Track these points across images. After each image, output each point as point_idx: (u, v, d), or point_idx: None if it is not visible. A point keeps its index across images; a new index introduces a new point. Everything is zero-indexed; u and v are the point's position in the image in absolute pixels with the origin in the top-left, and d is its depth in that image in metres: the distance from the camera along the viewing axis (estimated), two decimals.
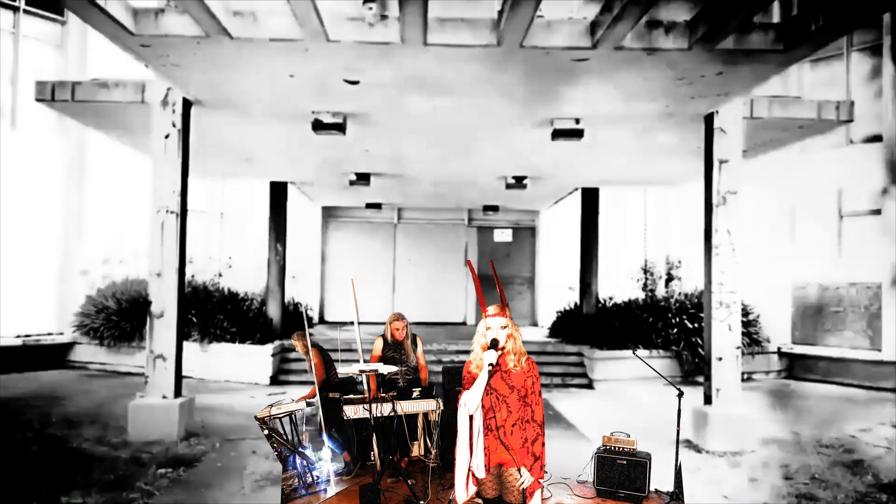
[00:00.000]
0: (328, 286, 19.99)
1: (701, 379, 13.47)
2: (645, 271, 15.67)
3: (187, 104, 8.54)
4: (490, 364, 3.91)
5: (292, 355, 13.84)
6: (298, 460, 5.94)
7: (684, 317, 13.74)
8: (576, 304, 15.89)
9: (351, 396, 6.26)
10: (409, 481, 5.56)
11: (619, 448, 5.66)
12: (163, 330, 8.48)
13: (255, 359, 13.04)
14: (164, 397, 8.43)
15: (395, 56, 6.71)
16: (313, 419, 6.59)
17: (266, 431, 5.98)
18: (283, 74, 7.34)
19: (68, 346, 14.46)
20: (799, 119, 8.97)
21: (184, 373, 13.09)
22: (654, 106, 8.22)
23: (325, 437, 6.12)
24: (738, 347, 8.57)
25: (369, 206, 18.12)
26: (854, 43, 14.56)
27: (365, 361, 6.21)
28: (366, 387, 6.48)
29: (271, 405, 6.14)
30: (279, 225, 14.99)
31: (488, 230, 20.21)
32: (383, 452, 5.94)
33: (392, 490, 5.51)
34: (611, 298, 15.45)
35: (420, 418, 6.44)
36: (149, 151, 9.86)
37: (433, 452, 6.28)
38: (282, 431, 6.18)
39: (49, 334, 14.54)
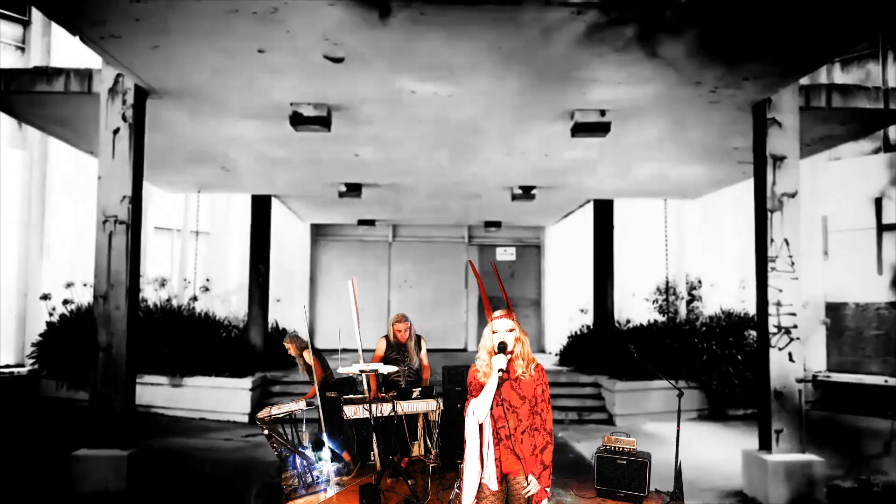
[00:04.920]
0: (318, 310, 18.56)
1: (734, 412, 12.08)
2: (666, 291, 14.24)
3: (141, 94, 7.17)
4: (500, 370, 3.73)
5: (276, 388, 12.39)
6: (298, 460, 6.01)
7: (713, 342, 12.31)
8: (588, 327, 14.48)
9: (351, 396, 6.31)
10: (409, 481, 5.60)
11: (619, 448, 5.74)
12: (110, 364, 7.03)
13: (234, 393, 11.58)
14: (113, 447, 6.94)
15: (386, 21, 5.35)
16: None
17: (266, 431, 6.11)
18: (251, 50, 5.97)
19: (32, 379, 12.97)
20: (863, 110, 7.65)
21: (156, 409, 11.80)
22: (697, 90, 6.86)
23: (324, 437, 6.14)
24: (802, 380, 7.17)
25: (362, 223, 16.77)
26: (890, 41, 13.30)
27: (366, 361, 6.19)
28: (366, 387, 6.42)
29: (271, 405, 6.41)
30: (262, 243, 13.58)
31: (490, 248, 18.83)
32: (383, 452, 5.93)
33: (392, 490, 5.54)
34: (627, 322, 14.03)
35: (420, 418, 6.49)
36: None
37: (433, 452, 6.33)
38: (282, 431, 6.36)
39: (7, 366, 13.06)
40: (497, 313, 4.00)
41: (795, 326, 7.21)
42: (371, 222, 16.83)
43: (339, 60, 6.15)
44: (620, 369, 12.10)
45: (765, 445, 7.24)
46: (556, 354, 15.18)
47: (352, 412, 6.13)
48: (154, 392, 11.87)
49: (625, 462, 5.66)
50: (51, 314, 13.18)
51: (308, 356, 6.96)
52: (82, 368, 12.22)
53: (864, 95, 7.64)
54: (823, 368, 13.83)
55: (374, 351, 7.18)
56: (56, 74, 7.41)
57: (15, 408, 12.20)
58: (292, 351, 7.38)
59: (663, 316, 14.14)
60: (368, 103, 7.41)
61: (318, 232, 18.80)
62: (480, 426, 3.80)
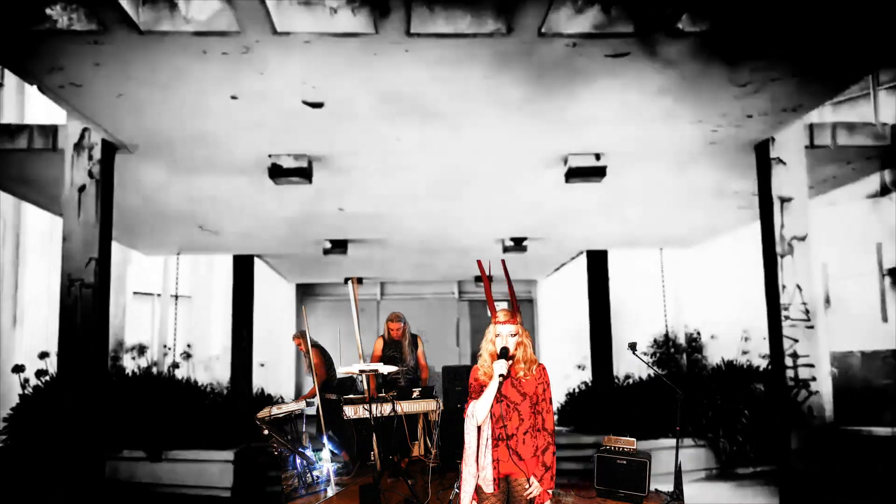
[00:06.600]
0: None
1: (744, 471, 11.46)
2: (665, 344, 13.76)
3: (109, 148, 6.72)
4: (500, 375, 3.74)
5: (262, 458, 11.68)
6: (298, 460, 6.21)
7: (718, 397, 11.77)
8: (586, 384, 13.92)
9: (351, 396, 6.47)
10: (409, 481, 5.63)
11: (619, 448, 5.90)
12: (77, 440, 6.46)
13: (216, 466, 10.86)
14: None
15: (367, 60, 4.98)
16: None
17: (266, 431, 6.25)
18: (224, 96, 5.58)
19: (4, 456, 12.22)
20: (870, 147, 7.31)
21: (135, 484, 11.06)
22: (698, 129, 6.50)
23: (324, 438, 6.21)
24: (823, 436, 6.65)
25: (349, 281, 16.28)
26: (881, 82, 13.15)
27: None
28: (365, 387, 6.42)
29: (271, 405, 6.47)
30: (245, 306, 13.03)
31: (481, 304, 18.33)
32: (383, 452, 5.98)
33: (392, 490, 5.60)
34: (627, 377, 13.49)
35: (420, 418, 6.57)
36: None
37: (433, 452, 6.45)
38: (282, 431, 6.46)
39: None
40: (500, 317, 4.00)
41: (814, 379, 6.72)
42: (358, 280, 16.36)
43: (318, 105, 5.76)
44: (623, 428, 11.51)
45: None
46: (555, 413, 14.58)
47: (352, 412, 6.27)
48: (133, 467, 11.16)
49: (625, 462, 5.77)
50: (23, 386, 12.51)
51: (312, 354, 7.32)
52: (57, 443, 11.51)
53: (869, 132, 7.32)
54: (830, 417, 13.28)
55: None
56: (19, 131, 6.99)
57: None
58: (302, 347, 7.85)
59: (663, 370, 13.63)
60: (352, 152, 7.02)
61: (304, 292, 18.30)
62: (479, 428, 3.82)
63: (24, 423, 11.88)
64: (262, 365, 15.27)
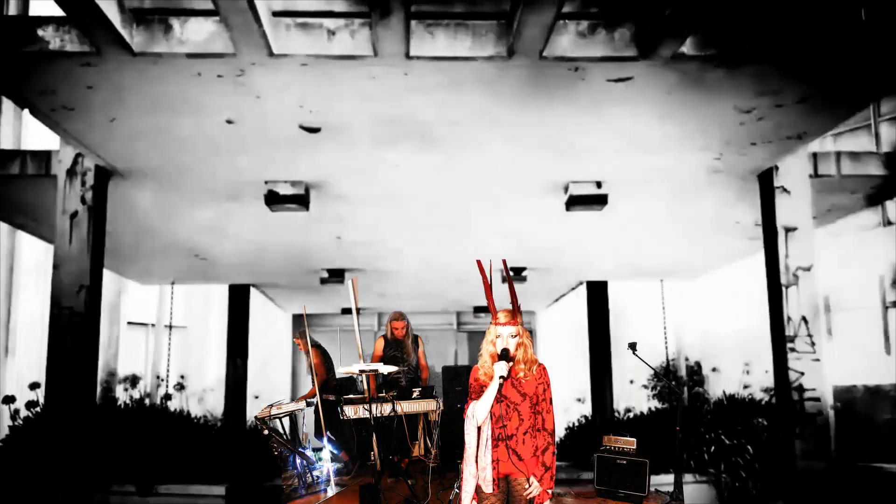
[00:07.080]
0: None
1: None
2: (666, 377, 13.55)
3: (102, 174, 6.62)
4: (501, 377, 3.76)
5: (253, 493, 11.43)
6: (298, 460, 6.23)
7: (720, 431, 11.54)
8: (586, 417, 13.69)
9: (351, 396, 6.39)
10: (409, 481, 5.61)
11: (619, 448, 5.79)
12: (63, 478, 6.28)
13: (207, 501, 10.61)
14: None
15: (365, 83, 4.88)
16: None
17: (266, 431, 6.15)
18: (219, 120, 5.48)
19: None
20: (875, 177, 7.21)
21: None
22: (701, 157, 6.41)
23: (324, 439, 6.21)
24: (832, 472, 6.48)
25: (346, 311, 16.12)
26: (882, 113, 13.12)
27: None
28: (365, 387, 6.38)
29: (271, 405, 6.44)
30: (239, 336, 12.84)
31: (480, 335, 18.07)
32: (383, 452, 5.93)
33: (392, 490, 5.59)
34: (627, 411, 13.26)
35: (420, 418, 6.53)
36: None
37: (433, 452, 6.42)
38: (282, 431, 6.35)
39: None
40: (501, 318, 3.97)
41: (820, 413, 6.58)
42: (358, 311, 16.22)
43: (315, 130, 5.66)
44: None
45: None
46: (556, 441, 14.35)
47: (352, 412, 6.22)
48: (123, 502, 10.91)
49: (625, 462, 5.71)
50: (13, 418, 12.27)
51: (312, 354, 7.27)
52: (43, 476, 11.27)
53: (874, 162, 7.23)
54: (835, 455, 13.06)
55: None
56: (11, 157, 6.87)
57: None
58: (301, 347, 7.79)
59: (663, 403, 13.41)
60: (349, 179, 6.92)
61: (301, 323, 18.14)
62: (479, 428, 3.84)
63: (12, 455, 11.63)
64: (257, 397, 15.03)
